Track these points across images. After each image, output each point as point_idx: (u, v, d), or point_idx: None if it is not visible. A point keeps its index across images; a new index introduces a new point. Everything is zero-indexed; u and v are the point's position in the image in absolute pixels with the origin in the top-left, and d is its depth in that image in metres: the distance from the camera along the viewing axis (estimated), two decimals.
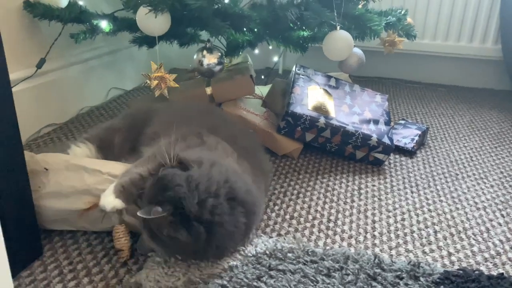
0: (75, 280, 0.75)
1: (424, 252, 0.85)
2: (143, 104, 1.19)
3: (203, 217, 0.70)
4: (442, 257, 0.84)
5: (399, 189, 1.10)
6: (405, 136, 1.35)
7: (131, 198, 0.76)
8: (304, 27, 1.28)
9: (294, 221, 0.94)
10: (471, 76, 2.04)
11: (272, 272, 0.75)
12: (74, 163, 0.84)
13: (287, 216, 0.95)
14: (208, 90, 1.27)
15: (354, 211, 0.99)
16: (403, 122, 1.45)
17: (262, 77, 1.84)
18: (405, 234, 0.91)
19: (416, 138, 1.33)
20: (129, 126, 1.03)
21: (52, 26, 1.30)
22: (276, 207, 0.99)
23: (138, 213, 0.68)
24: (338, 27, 1.15)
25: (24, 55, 1.27)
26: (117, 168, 0.84)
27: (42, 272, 0.76)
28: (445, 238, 0.90)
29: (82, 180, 0.81)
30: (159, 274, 0.74)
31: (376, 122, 1.25)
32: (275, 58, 1.84)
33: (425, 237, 0.90)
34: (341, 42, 1.13)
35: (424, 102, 1.81)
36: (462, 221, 0.96)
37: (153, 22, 1.06)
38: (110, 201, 0.75)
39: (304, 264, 0.77)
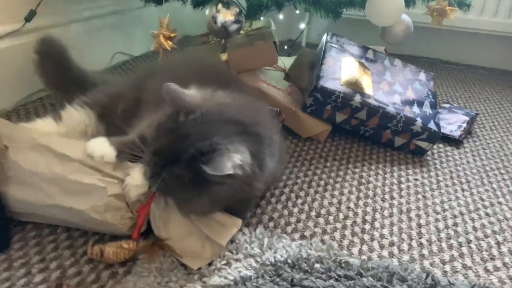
0: (44, 284, 0.59)
1: (486, 270, 0.67)
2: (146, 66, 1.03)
3: None
4: (510, 278, 0.66)
5: (446, 186, 0.91)
6: (451, 122, 1.15)
7: None
8: None
9: (321, 220, 0.77)
10: None
11: None
12: (42, 144, 0.66)
13: (313, 213, 0.78)
14: (224, 57, 1.08)
15: (395, 210, 0.81)
16: (448, 105, 1.25)
17: (285, 47, 1.64)
18: (460, 244, 0.73)
19: (464, 125, 1.14)
20: (135, 92, 0.88)
21: None
22: (299, 201, 0.81)
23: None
24: None
25: (10, 4, 1.09)
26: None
27: (6, 270, 0.61)
28: (511, 252, 0.72)
29: (49, 166, 0.64)
30: (150, 283, 0.57)
31: (420, 104, 1.05)
32: (302, 26, 1.63)
33: (486, 250, 0.72)
34: (389, 3, 0.93)
35: (466, 85, 1.60)
36: None
37: None
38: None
39: (337, 280, 0.60)
